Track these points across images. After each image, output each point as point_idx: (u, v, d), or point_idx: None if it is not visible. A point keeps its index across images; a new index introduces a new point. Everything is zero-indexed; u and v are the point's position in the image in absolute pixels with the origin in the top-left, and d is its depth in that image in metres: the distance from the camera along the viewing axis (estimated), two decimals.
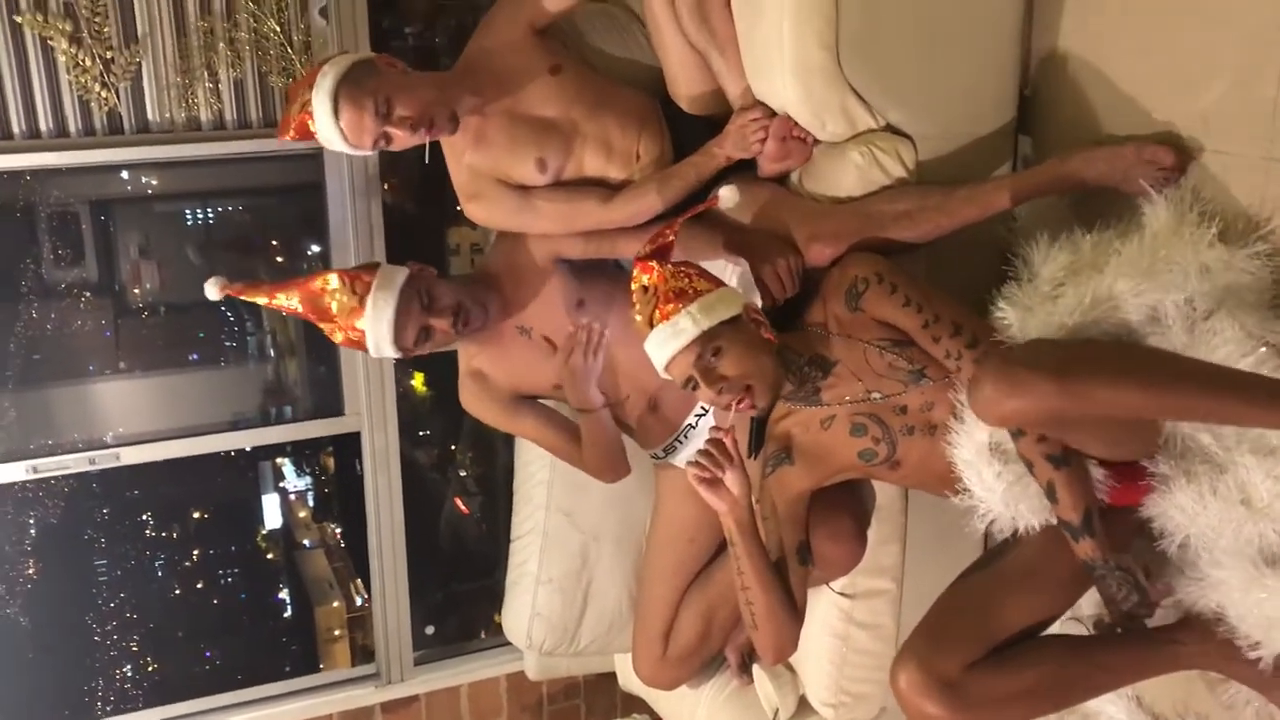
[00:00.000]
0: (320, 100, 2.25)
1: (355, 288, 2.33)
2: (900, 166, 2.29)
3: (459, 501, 4.48)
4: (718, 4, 2.36)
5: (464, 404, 2.67)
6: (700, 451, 2.06)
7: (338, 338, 2.40)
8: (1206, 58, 2.04)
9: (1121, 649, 2.00)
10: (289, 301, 2.36)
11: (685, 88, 2.52)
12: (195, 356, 4.02)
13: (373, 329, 2.34)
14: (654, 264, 2.10)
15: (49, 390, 3.66)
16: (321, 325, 2.39)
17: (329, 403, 3.23)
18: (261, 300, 2.38)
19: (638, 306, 2.10)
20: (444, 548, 4.20)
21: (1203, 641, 1.97)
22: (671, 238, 2.14)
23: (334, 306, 2.34)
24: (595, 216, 2.49)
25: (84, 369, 3.77)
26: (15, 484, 3.13)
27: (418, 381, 3.97)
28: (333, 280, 2.34)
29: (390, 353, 2.38)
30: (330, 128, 2.27)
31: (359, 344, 2.39)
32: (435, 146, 2.51)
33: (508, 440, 3.37)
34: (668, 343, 2.05)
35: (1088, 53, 2.27)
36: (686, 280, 2.08)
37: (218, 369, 4.18)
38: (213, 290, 2.35)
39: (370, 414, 3.13)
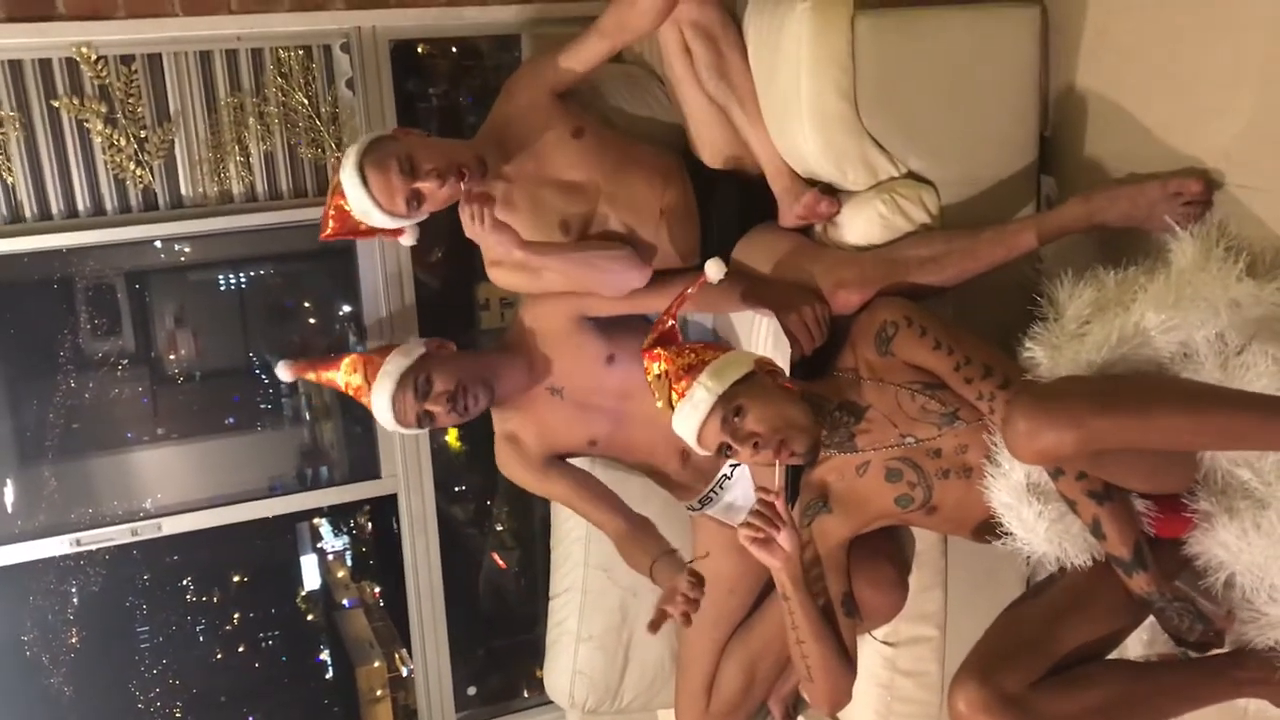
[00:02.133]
0: (348, 175, 2.30)
1: (366, 371, 2.49)
2: (924, 212, 2.31)
3: (496, 556, 4.48)
4: (735, 58, 2.40)
5: (500, 466, 2.69)
6: (752, 513, 2.06)
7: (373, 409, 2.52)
8: (1226, 92, 2.04)
9: (1185, 674, 1.98)
10: (331, 377, 2.57)
11: (707, 142, 2.55)
12: (232, 421, 4.06)
13: (378, 410, 2.48)
14: (659, 350, 2.16)
15: (89, 460, 3.70)
16: (357, 399, 2.54)
17: (365, 465, 3.25)
18: (311, 377, 2.59)
19: (656, 394, 2.16)
20: (484, 604, 4.20)
21: (1262, 671, 1.94)
22: (671, 323, 2.19)
23: (356, 386, 2.51)
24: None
25: (122, 438, 3.82)
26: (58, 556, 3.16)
27: (451, 437, 3.99)
28: (345, 363, 2.53)
29: (395, 428, 2.51)
30: (363, 199, 2.31)
31: (394, 419, 2.50)
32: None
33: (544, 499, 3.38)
34: (690, 416, 2.09)
35: (1106, 90, 2.29)
36: (693, 355, 2.13)
37: (255, 433, 4.21)
38: (284, 373, 2.61)
39: (406, 476, 3.15)
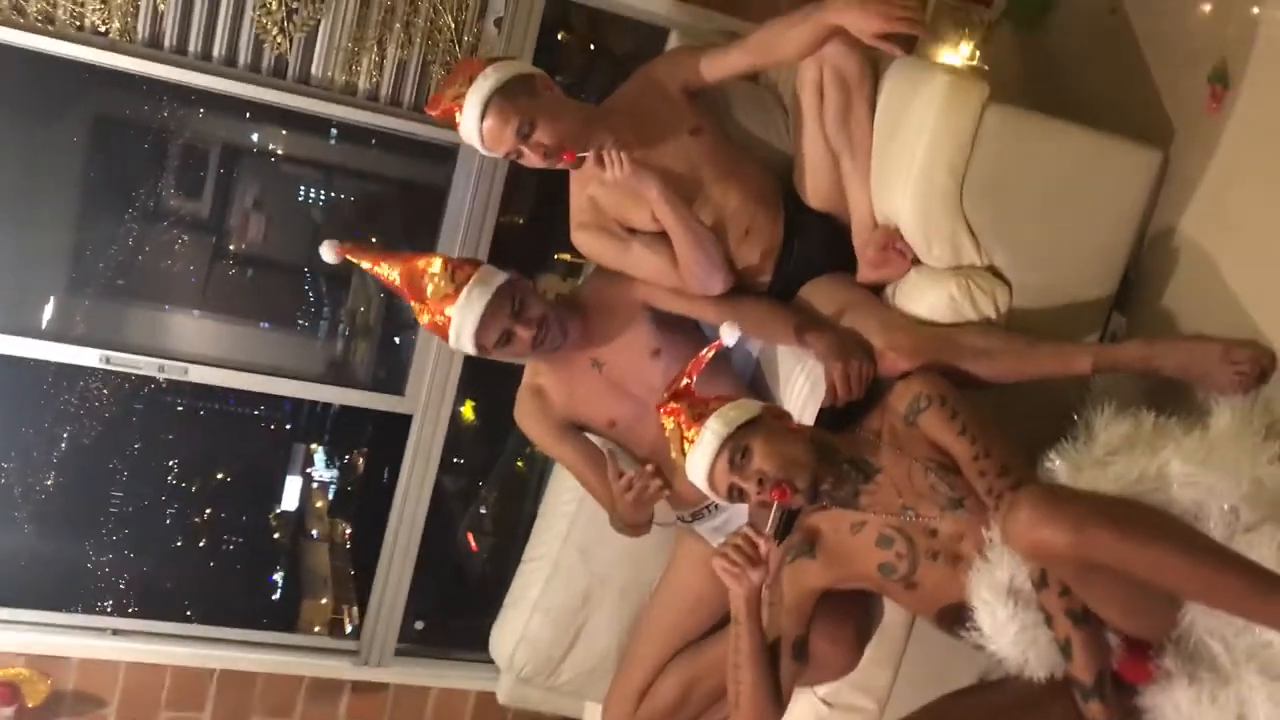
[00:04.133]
0: (473, 101, 2.38)
1: (455, 275, 2.42)
2: (993, 308, 2.36)
3: (470, 537, 4.52)
4: (863, 112, 2.46)
5: (517, 416, 2.73)
6: (732, 545, 2.12)
7: (424, 319, 2.48)
8: None
9: None
10: (389, 273, 2.47)
11: (811, 180, 2.61)
12: (276, 313, 4.14)
13: (459, 319, 2.42)
14: (674, 405, 2.25)
15: (135, 299, 3.80)
16: (412, 303, 2.48)
17: (392, 382, 3.32)
18: (366, 264, 2.49)
19: (672, 448, 2.24)
20: (452, 560, 4.24)
21: None
22: (688, 382, 2.28)
23: (430, 288, 2.42)
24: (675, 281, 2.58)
25: (171, 294, 3.91)
26: (77, 374, 3.23)
27: (467, 409, 4.05)
28: (436, 263, 2.44)
29: (468, 347, 2.46)
30: (473, 127, 2.40)
31: (442, 330, 2.47)
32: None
33: (537, 492, 3.42)
34: (699, 459, 2.16)
35: (1201, 252, 2.33)
36: (704, 405, 2.22)
37: (293, 332, 4.30)
38: (329, 252, 2.47)
39: (427, 403, 3.20)
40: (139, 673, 3.22)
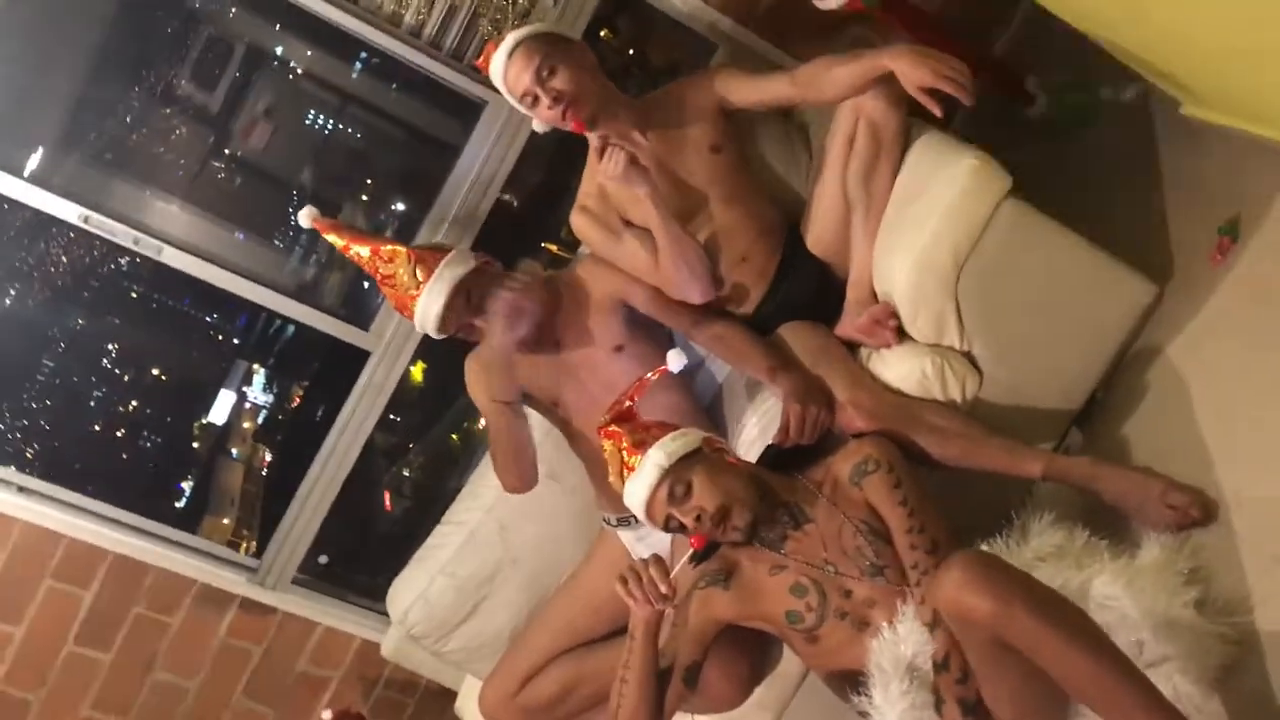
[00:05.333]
0: (511, 37, 2.49)
1: (418, 271, 2.50)
2: (960, 393, 2.39)
3: (388, 495, 4.50)
4: (886, 172, 2.48)
5: (468, 365, 2.70)
6: (637, 577, 2.11)
7: (390, 300, 2.58)
8: (1273, 457, 2.08)
9: None
10: (360, 252, 2.55)
11: (818, 226, 2.63)
12: (258, 223, 4.11)
13: (420, 312, 2.52)
14: (615, 428, 2.26)
15: (119, 174, 3.76)
16: (380, 285, 2.57)
17: (359, 317, 3.29)
18: (338, 243, 2.57)
19: (611, 471, 2.26)
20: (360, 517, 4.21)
21: None
22: (629, 404, 2.29)
23: (396, 277, 2.51)
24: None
25: (155, 177, 3.87)
26: (47, 229, 3.18)
27: (417, 370, 4.03)
28: (401, 255, 2.52)
29: (431, 332, 2.55)
30: (498, 71, 2.51)
31: (407, 315, 2.56)
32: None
33: (465, 469, 3.45)
34: (638, 489, 2.18)
35: (1171, 391, 2.36)
36: (645, 431, 2.23)
37: (269, 247, 4.27)
38: (305, 218, 2.59)
39: (390, 345, 3.19)
40: (35, 535, 3.18)
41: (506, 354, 2.63)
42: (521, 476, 2.67)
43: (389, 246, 2.54)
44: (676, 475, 2.16)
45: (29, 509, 3.16)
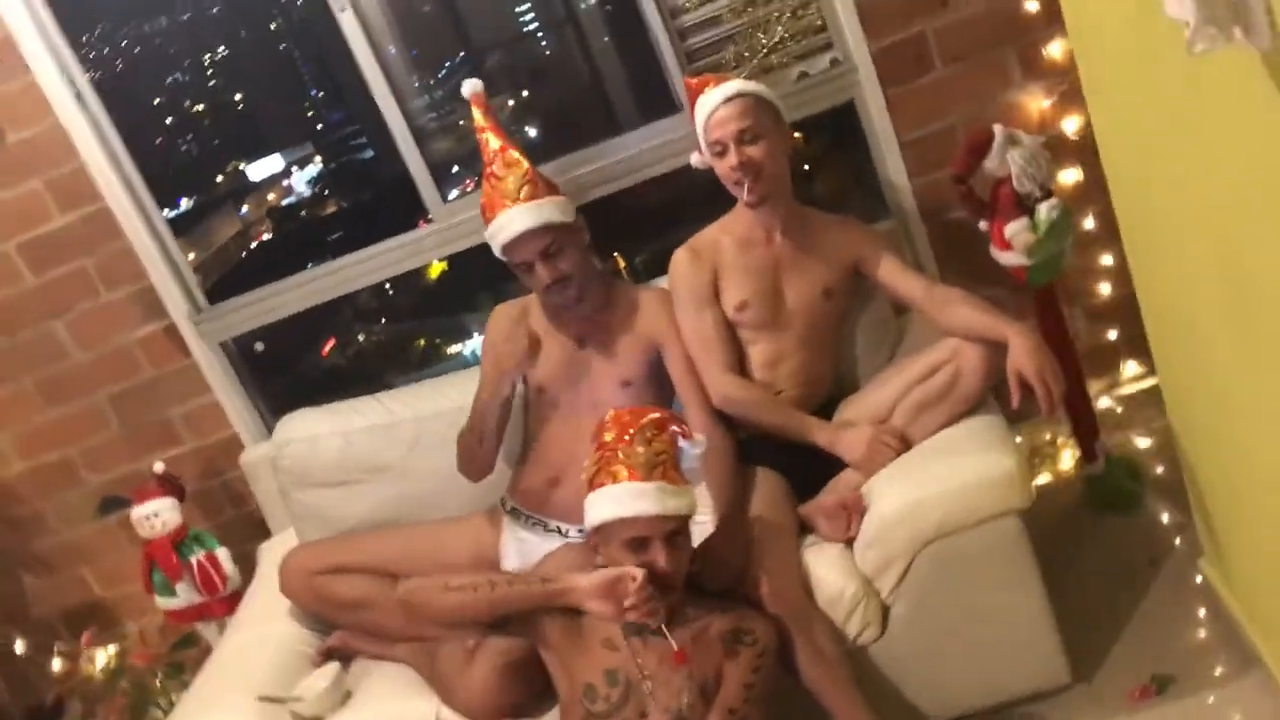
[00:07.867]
0: (735, 86, 2.57)
1: (526, 188, 2.53)
2: (856, 632, 2.38)
3: (332, 342, 4.49)
4: (941, 416, 2.49)
5: (493, 315, 2.77)
6: (644, 606, 2.14)
7: (484, 196, 2.59)
8: None
9: None
10: (492, 141, 2.60)
11: (852, 413, 2.62)
12: (422, 52, 4.09)
13: (501, 222, 2.53)
14: (625, 419, 2.24)
15: None
16: (485, 178, 2.58)
17: (441, 186, 3.29)
18: (479, 123, 2.62)
19: (592, 460, 2.24)
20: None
21: None
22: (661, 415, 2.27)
23: (503, 180, 2.54)
24: (703, 370, 2.62)
25: None
26: None
27: (436, 267, 4.05)
28: (523, 166, 2.56)
29: (497, 244, 2.57)
30: (714, 102, 2.56)
31: (486, 217, 2.58)
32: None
33: (411, 371, 3.57)
34: (625, 507, 2.17)
35: None
36: (665, 452, 2.21)
37: (420, 79, 4.26)
38: (469, 88, 2.65)
39: (450, 228, 3.24)
40: (58, 137, 3.23)
41: (541, 317, 2.65)
42: (476, 463, 2.70)
43: (517, 153, 2.57)
44: (663, 525, 2.16)
45: (68, 110, 3.20)
